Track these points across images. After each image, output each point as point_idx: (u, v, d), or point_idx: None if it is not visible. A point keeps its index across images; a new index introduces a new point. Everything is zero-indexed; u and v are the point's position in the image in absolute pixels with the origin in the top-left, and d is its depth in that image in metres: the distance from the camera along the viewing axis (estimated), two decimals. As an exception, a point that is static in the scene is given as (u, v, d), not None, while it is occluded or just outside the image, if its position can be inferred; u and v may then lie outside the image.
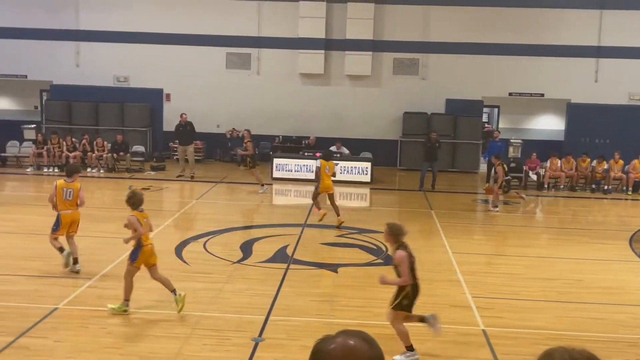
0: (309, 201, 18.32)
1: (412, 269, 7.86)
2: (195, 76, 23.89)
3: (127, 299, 9.23)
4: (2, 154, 21.87)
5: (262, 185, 18.66)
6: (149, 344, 8.38)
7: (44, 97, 24.74)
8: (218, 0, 23.71)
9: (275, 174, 20.87)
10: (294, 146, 23.11)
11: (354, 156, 21.84)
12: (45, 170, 20.94)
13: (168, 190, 19.37)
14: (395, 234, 7.89)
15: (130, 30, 23.76)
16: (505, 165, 17.81)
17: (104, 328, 8.78)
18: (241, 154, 19.20)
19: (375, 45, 23.62)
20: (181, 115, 21.35)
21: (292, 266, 11.92)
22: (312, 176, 20.36)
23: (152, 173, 21.31)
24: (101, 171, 21.00)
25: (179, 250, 12.60)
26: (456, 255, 12.83)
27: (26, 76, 24.32)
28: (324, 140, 22.89)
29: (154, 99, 23.96)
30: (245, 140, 18.90)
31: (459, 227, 15.69)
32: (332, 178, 15.03)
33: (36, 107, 25.39)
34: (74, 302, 9.64)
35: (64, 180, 10.96)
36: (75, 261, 11.02)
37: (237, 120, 23.70)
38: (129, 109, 23.50)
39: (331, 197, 14.96)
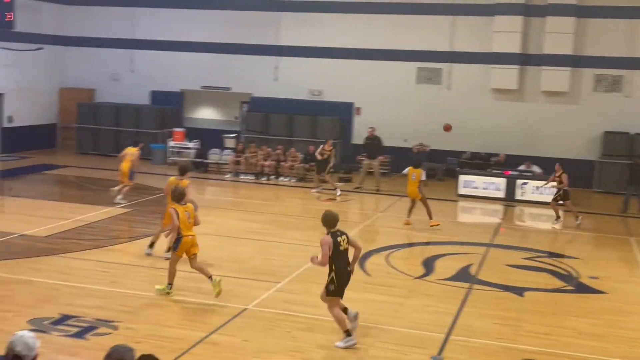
0: (496, 220, 17.82)
1: (337, 256, 8.59)
2: (385, 90, 24.21)
3: (170, 283, 10.20)
4: (205, 160, 23.51)
5: (317, 187, 19.96)
6: (330, 351, 8.59)
7: (244, 109, 26.30)
8: (411, 16, 23.84)
9: (462, 191, 20.54)
10: (482, 163, 22.61)
11: (546, 176, 20.90)
12: (242, 177, 22.19)
13: (354, 202, 19.76)
14: (326, 222, 8.80)
15: (325, 46, 24.60)
16: None
17: (289, 332, 9.13)
18: (319, 157, 20.12)
19: (575, 61, 22.51)
20: (369, 129, 21.75)
21: (475, 286, 11.66)
22: (499, 195, 19.90)
23: (340, 184, 21.83)
24: (292, 180, 21.89)
25: (361, 261, 12.80)
26: (657, 288, 11.85)
27: (229, 88, 26.00)
28: (513, 158, 22.19)
29: (344, 112, 24.60)
30: (328, 148, 20.01)
31: (661, 257, 14.47)
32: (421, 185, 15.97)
33: (236, 118, 27.05)
34: (262, 304, 10.12)
35: (176, 177, 11.93)
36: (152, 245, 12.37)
37: (424, 134, 23.66)
38: (321, 121, 24.32)
39: (423, 201, 15.96)
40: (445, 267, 12.63)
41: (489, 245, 14.76)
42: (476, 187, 20.40)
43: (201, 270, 10.28)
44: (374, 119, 23.41)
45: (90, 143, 25.75)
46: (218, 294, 10.03)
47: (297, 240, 14.53)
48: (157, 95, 26.43)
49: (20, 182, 19.78)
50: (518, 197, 19.97)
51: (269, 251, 13.38)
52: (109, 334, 8.71)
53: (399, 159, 23.83)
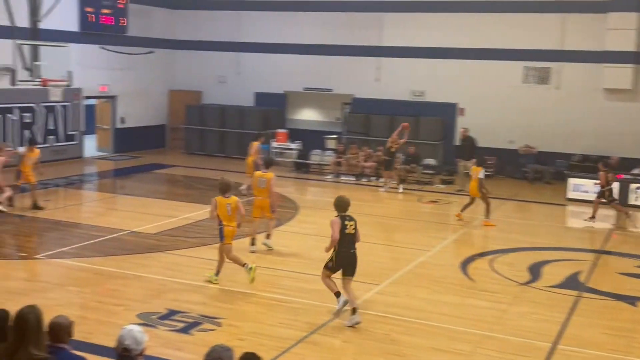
0: (607, 225, 17.04)
1: (342, 238, 9.42)
2: (489, 91, 23.63)
3: (217, 272, 10.83)
4: (307, 161, 23.73)
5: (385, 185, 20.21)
6: (430, 355, 8.44)
7: (346, 110, 26.36)
8: (519, 14, 23.16)
9: (571, 195, 19.74)
10: (592, 166, 21.64)
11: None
12: (343, 178, 22.25)
13: (456, 205, 19.35)
14: (338, 206, 9.72)
15: (428, 46, 24.29)
16: None
17: (388, 334, 9.05)
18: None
19: (695, 58, 21.22)
20: (462, 130, 21.32)
21: (584, 294, 11.17)
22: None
23: (442, 186, 21.51)
24: (393, 182, 21.73)
25: (464, 266, 12.54)
26: None
27: (331, 90, 26.14)
28: (628, 160, 21.13)
29: (447, 113, 24.21)
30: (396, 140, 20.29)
31: None
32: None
33: (338, 119, 27.16)
34: (363, 306, 10.06)
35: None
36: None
37: (531, 136, 22.93)
38: (423, 122, 24.03)
39: (483, 199, 16.12)
40: (553, 274, 12.17)
41: (599, 252, 14.13)
42: (586, 191, 19.53)
43: (236, 260, 10.85)
44: (478, 120, 22.91)
45: (197, 143, 26.53)
46: (252, 280, 10.67)
47: (398, 243, 14.41)
48: (261, 97, 26.92)
49: (131, 181, 20.63)
50: (632, 202, 19.00)
51: (370, 253, 13.27)
52: (213, 330, 8.92)
53: (505, 161, 23.25)
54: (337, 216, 9.60)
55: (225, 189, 10.82)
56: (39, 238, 13.47)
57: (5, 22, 18.02)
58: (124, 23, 24.67)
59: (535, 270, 12.40)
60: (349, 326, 9.18)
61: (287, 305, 10.07)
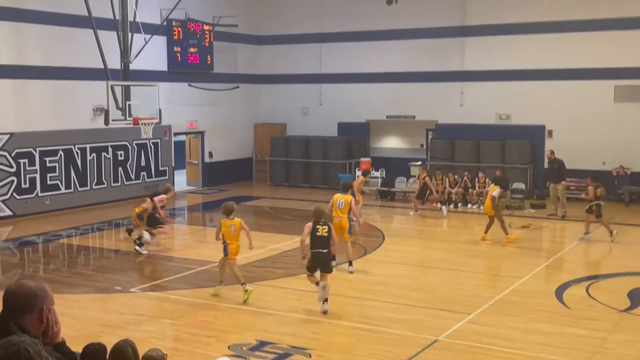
0: None
1: (314, 240, 10.96)
2: (578, 111, 22.93)
3: (242, 283, 11.52)
4: (391, 189, 23.61)
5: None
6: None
7: (429, 136, 26.15)
8: (607, 32, 22.45)
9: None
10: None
11: None
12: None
13: (547, 229, 18.82)
14: (315, 214, 11.29)
15: (512, 68, 23.88)
16: None
17: (482, 365, 8.80)
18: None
19: None
20: (548, 153, 20.71)
21: (691, 321, 10.54)
22: None
23: (532, 211, 20.94)
24: (481, 207, 21.30)
25: (559, 292, 12.09)
26: None
27: (414, 116, 26.02)
28: None
29: (535, 135, 23.62)
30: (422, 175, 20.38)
31: None
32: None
33: (422, 145, 26.96)
34: (454, 335, 9.85)
35: (228, 218, 11.89)
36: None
37: (624, 156, 22.05)
38: (510, 146, 23.54)
39: (498, 218, 16.25)
40: (655, 300, 11.56)
41: None
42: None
43: (236, 275, 11.68)
44: (567, 142, 22.26)
45: (282, 175, 26.89)
46: (245, 300, 11.37)
47: (487, 270, 14.08)
48: (344, 127, 27.08)
49: (220, 214, 21.03)
50: None
51: (459, 280, 13.06)
52: (303, 361, 8.90)
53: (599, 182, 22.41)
54: (311, 222, 11.15)
55: (229, 212, 11.94)
56: (134, 272, 13.89)
57: (99, 65, 18.92)
58: (210, 61, 25.45)
59: (635, 297, 11.82)
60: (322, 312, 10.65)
61: (376, 335, 9.95)
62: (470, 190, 21.75)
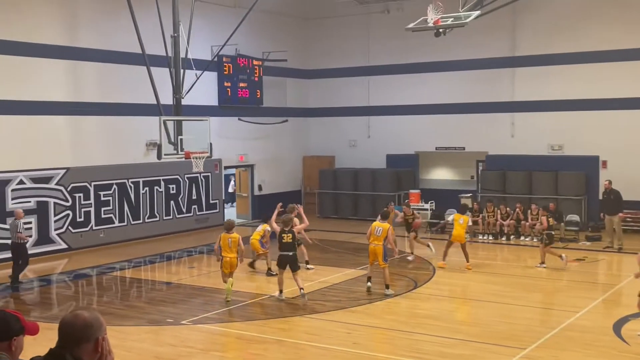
0: None
1: (280, 244, 13.58)
2: (633, 141, 22.42)
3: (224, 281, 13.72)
4: (441, 221, 23.33)
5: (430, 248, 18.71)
6: None
7: (480, 167, 25.88)
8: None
9: None
10: None
11: None
12: (480, 237, 21.66)
13: (604, 262, 18.32)
14: (282, 223, 13.81)
15: (564, 98, 23.56)
16: None
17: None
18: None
19: None
20: (606, 183, 20.21)
21: None
22: None
23: (587, 243, 20.44)
24: (534, 240, 20.89)
25: (617, 327, 11.71)
26: None
27: (464, 148, 25.82)
28: None
29: (589, 166, 23.15)
30: (408, 213, 19.28)
31: None
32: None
33: (472, 177, 26.69)
34: (508, 371, 9.60)
35: (228, 233, 13.87)
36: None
37: (684, 186, 21.42)
38: (563, 177, 23.10)
39: (463, 246, 17.03)
40: None
41: None
42: None
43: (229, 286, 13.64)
44: (623, 173, 21.74)
45: (331, 207, 26.89)
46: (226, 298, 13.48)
47: (542, 304, 13.75)
48: (392, 159, 27.02)
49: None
50: None
51: (513, 315, 12.77)
52: (353, 396, 8.78)
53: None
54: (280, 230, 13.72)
55: (229, 227, 13.87)
56: (184, 304, 13.98)
57: (152, 101, 19.36)
58: (259, 95, 25.81)
59: (699, 333, 11.35)
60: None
61: (428, 370, 9.77)
62: (522, 222, 21.36)
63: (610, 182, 20.18)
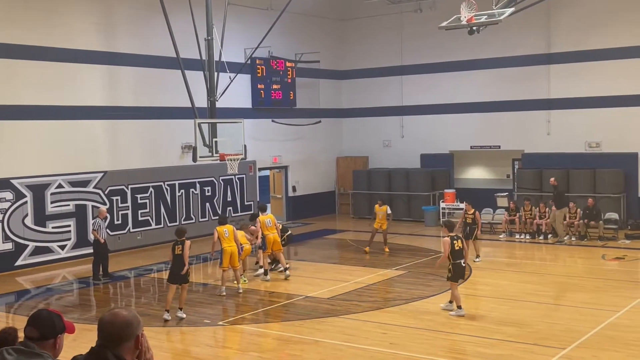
0: None
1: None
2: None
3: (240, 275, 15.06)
4: (483, 222, 23.07)
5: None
6: None
7: (516, 166, 25.59)
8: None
9: None
10: None
11: None
12: (517, 236, 21.43)
13: (645, 261, 17.99)
14: (219, 221, 15.22)
15: (600, 95, 23.17)
16: None
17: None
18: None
19: None
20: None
21: None
22: None
23: (627, 242, 20.08)
24: (572, 239, 20.60)
25: (660, 327, 11.49)
26: None
27: (499, 146, 25.55)
28: None
29: (627, 163, 22.73)
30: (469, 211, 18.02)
31: None
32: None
33: (508, 176, 26.39)
34: (548, 371, 9.48)
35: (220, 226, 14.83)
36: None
37: None
38: (601, 174, 22.71)
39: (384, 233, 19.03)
40: None
41: None
42: None
43: (236, 277, 14.86)
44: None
45: (364, 208, 26.81)
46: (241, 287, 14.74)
47: (581, 303, 13.53)
48: (426, 158, 26.86)
49: (304, 247, 21.16)
50: None
51: (551, 315, 12.61)
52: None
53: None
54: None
55: (223, 222, 14.88)
56: (221, 305, 14.08)
57: (187, 104, 19.55)
58: (293, 96, 25.89)
59: None
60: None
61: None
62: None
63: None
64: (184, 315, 12.70)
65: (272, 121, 25.38)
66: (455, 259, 12.39)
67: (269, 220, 15.99)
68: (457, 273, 12.51)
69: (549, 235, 21.02)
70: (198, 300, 14.54)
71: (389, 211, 19.39)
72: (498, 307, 13.24)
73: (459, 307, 12.40)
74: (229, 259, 14.54)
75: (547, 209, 21.31)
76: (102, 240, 16.77)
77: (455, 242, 12.45)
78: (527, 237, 21.23)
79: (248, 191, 24.36)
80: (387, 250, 19.21)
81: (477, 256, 17.70)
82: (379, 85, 27.87)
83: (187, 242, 12.84)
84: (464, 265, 12.62)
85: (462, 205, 23.61)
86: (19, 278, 17.16)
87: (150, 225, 21.15)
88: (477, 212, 17.95)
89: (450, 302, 12.81)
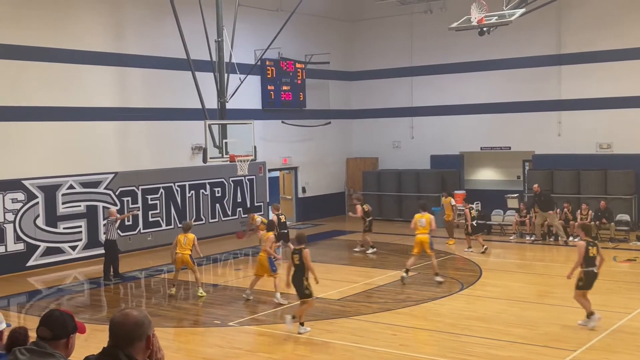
0: None
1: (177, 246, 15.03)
2: (687, 138, 21.85)
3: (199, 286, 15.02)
4: (488, 222, 23.07)
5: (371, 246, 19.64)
6: None
7: (526, 167, 25.51)
8: None
9: None
10: None
11: None
12: (527, 238, 21.35)
13: (657, 263, 17.88)
14: (183, 227, 15.40)
15: (612, 96, 23.07)
16: None
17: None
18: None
19: None
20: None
21: None
22: None
23: (638, 243, 19.98)
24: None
25: (672, 329, 11.41)
26: None
27: (510, 147, 25.48)
28: None
29: (639, 164, 22.62)
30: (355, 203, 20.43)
31: None
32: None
33: (518, 177, 26.32)
34: (558, 373, 9.45)
35: (183, 234, 15.09)
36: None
37: None
38: (612, 175, 22.61)
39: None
40: None
41: None
42: None
43: (196, 279, 14.90)
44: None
45: (374, 208, 26.69)
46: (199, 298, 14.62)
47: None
48: (436, 159, 26.82)
49: (314, 248, 21.10)
50: None
51: (562, 316, 12.55)
52: (401, 397, 8.74)
53: None
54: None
55: (187, 229, 15.15)
56: (231, 306, 14.11)
57: (197, 105, 19.61)
58: (302, 98, 25.91)
59: None
60: None
61: (476, 372, 9.68)
62: (571, 222, 20.98)
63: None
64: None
65: (282, 122, 25.41)
66: (588, 266, 11.56)
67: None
68: (589, 282, 11.59)
69: (551, 239, 20.97)
70: (208, 301, 14.57)
71: (453, 202, 21.14)
72: (508, 308, 13.20)
73: (591, 313, 11.51)
74: (180, 262, 14.90)
75: (528, 215, 21.48)
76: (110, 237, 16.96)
77: (590, 248, 11.57)
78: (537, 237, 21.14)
79: (258, 192, 24.40)
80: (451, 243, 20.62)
81: (469, 247, 19.43)
82: (389, 86, 27.85)
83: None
84: (596, 272, 11.63)
85: (472, 206, 23.61)
86: (31, 278, 17.26)
87: (161, 226, 21.22)
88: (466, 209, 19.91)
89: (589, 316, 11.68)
